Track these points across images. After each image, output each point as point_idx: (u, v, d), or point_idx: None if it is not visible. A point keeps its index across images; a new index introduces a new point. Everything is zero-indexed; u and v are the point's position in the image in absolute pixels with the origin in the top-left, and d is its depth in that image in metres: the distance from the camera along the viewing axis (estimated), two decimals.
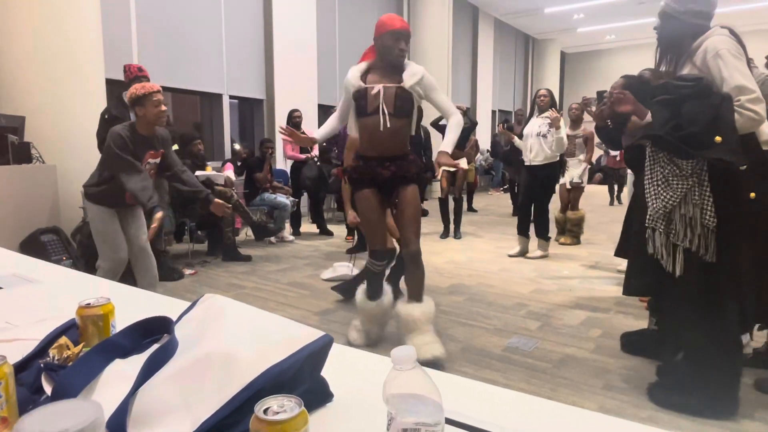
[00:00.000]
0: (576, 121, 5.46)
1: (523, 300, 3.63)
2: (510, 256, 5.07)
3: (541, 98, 4.92)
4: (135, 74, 3.82)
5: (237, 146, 7.01)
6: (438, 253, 5.19)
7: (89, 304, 0.90)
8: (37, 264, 1.62)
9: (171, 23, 6.15)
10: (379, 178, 2.50)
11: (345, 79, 2.50)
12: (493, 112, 13.88)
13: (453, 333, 3.00)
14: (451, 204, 6.01)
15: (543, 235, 5.00)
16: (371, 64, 2.51)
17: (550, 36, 15.34)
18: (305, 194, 6.37)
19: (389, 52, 2.41)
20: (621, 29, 14.33)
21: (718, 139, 1.80)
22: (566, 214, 5.66)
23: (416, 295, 2.55)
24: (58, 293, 1.31)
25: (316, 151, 6.18)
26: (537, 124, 4.85)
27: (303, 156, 6.00)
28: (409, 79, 2.41)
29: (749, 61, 2.06)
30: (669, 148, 1.94)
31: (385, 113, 2.39)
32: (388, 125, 2.40)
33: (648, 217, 2.09)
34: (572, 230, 5.65)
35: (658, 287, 2.20)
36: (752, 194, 1.99)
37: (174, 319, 0.88)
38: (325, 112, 8.41)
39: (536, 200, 4.98)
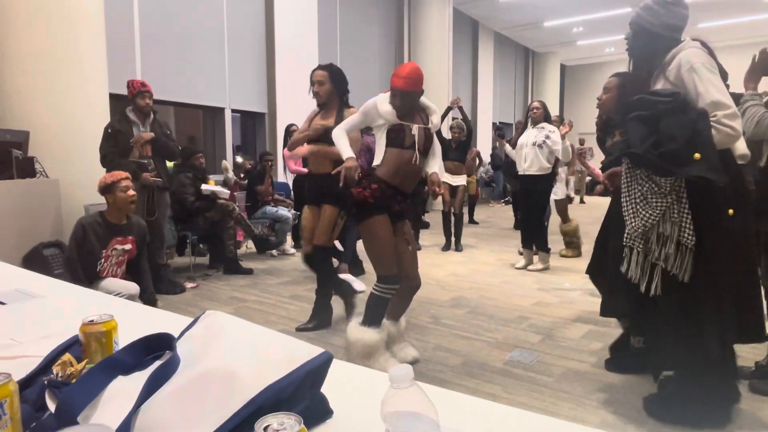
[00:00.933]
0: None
1: (525, 313, 3.63)
2: (517, 268, 5.08)
3: (534, 110, 4.99)
4: (138, 89, 3.86)
5: (239, 159, 7.05)
6: (439, 266, 5.19)
7: (92, 320, 0.91)
8: (40, 279, 1.63)
9: (174, 38, 6.22)
10: (392, 209, 2.54)
11: (373, 106, 2.48)
12: (494, 124, 13.94)
13: (454, 346, 2.99)
14: (452, 218, 6.04)
15: (542, 247, 5.01)
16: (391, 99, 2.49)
17: (550, 49, 15.47)
18: None
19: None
20: (620, 42, 14.19)
21: (697, 156, 1.75)
22: (559, 227, 5.67)
23: (402, 314, 2.76)
24: (62, 308, 1.32)
25: None
26: (532, 134, 4.90)
27: (306, 170, 6.00)
28: (435, 121, 2.60)
29: (724, 77, 2.02)
30: (648, 166, 1.88)
31: (418, 151, 2.51)
32: (418, 163, 2.53)
33: (626, 235, 2.02)
34: (572, 242, 5.65)
35: (637, 308, 2.12)
36: (730, 211, 1.91)
37: (176, 335, 0.89)
38: None
39: (532, 212, 5.01)
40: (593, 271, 2.87)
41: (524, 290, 4.28)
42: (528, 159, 4.87)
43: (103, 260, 3.08)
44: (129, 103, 3.93)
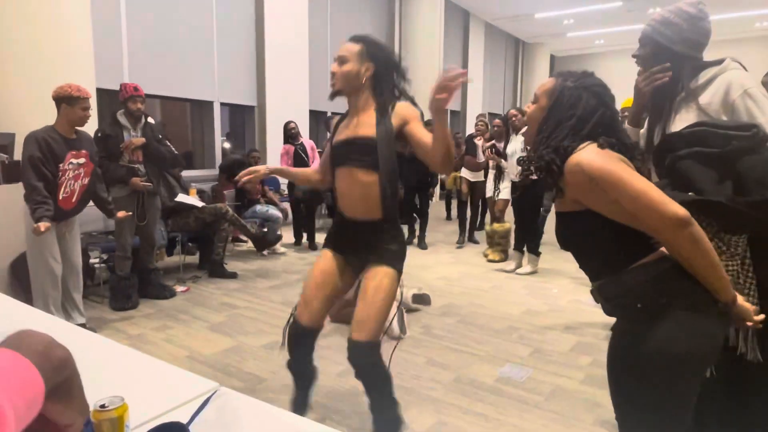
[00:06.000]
0: (500, 135, 5.52)
1: (514, 323, 3.69)
2: (506, 272, 5.13)
3: (512, 118, 5.01)
4: (130, 93, 3.78)
5: (227, 144, 6.99)
6: (429, 268, 5.23)
7: (104, 405, 0.92)
8: (42, 320, 1.61)
9: (161, 31, 6.09)
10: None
11: None
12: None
13: (445, 360, 3.04)
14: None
15: (533, 250, 5.07)
16: None
17: (540, 40, 15.43)
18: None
19: None
20: (610, 34, 14.48)
21: None
22: (491, 226, 5.67)
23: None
24: None
25: (316, 165, 6.03)
26: (518, 141, 4.91)
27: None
28: None
29: None
30: (730, 219, 1.46)
31: None
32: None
33: None
34: (500, 243, 5.62)
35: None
36: None
37: (186, 420, 0.90)
38: (316, 118, 8.39)
39: (525, 216, 5.05)
40: None
41: (513, 296, 4.34)
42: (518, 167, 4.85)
43: (60, 174, 3.09)
44: (121, 107, 3.86)
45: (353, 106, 1.98)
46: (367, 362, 1.88)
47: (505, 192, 5.42)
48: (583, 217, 1.32)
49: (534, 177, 1.41)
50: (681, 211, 1.19)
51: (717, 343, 1.29)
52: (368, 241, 1.94)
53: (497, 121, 5.64)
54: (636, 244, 1.29)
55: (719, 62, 1.70)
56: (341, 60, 1.92)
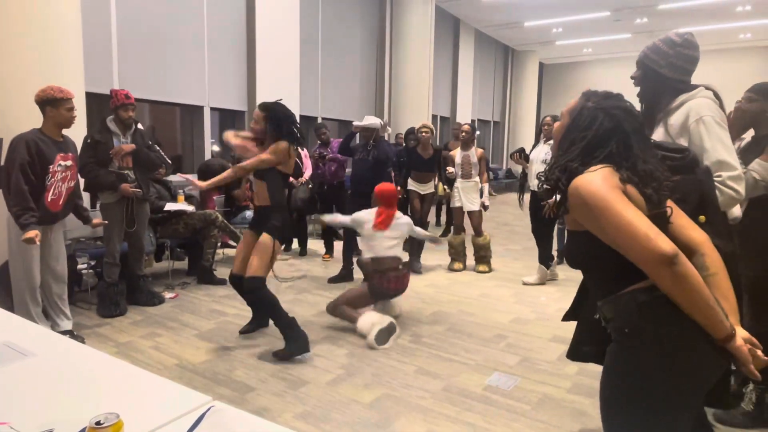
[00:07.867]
0: (467, 143, 5.48)
1: (503, 331, 3.72)
2: (524, 283, 5.01)
3: (546, 126, 4.88)
4: (122, 101, 3.78)
5: (216, 147, 6.97)
6: (419, 276, 5.25)
7: (100, 422, 0.93)
8: (31, 330, 1.62)
9: (152, 35, 6.07)
10: None
11: None
12: (473, 121, 14.05)
13: (435, 369, 3.06)
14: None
15: (544, 261, 5.02)
16: None
17: (530, 48, 15.60)
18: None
19: None
20: (598, 43, 14.69)
21: (702, 218, 1.54)
22: (472, 240, 5.47)
23: None
24: (56, 373, 1.31)
25: (309, 172, 6.02)
26: (543, 151, 4.82)
27: (293, 180, 5.86)
28: None
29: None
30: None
31: None
32: None
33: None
34: (484, 257, 5.50)
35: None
36: None
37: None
38: (307, 124, 8.40)
39: (541, 226, 4.96)
40: (571, 318, 2.17)
41: (502, 304, 4.37)
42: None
43: (50, 176, 3.10)
44: (111, 113, 3.84)
45: None
46: (253, 289, 3.17)
47: (476, 204, 5.39)
48: (583, 237, 1.33)
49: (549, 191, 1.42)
50: (666, 247, 1.15)
51: (705, 379, 1.26)
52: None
53: (466, 126, 5.54)
54: (632, 269, 1.24)
55: (695, 88, 1.94)
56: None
